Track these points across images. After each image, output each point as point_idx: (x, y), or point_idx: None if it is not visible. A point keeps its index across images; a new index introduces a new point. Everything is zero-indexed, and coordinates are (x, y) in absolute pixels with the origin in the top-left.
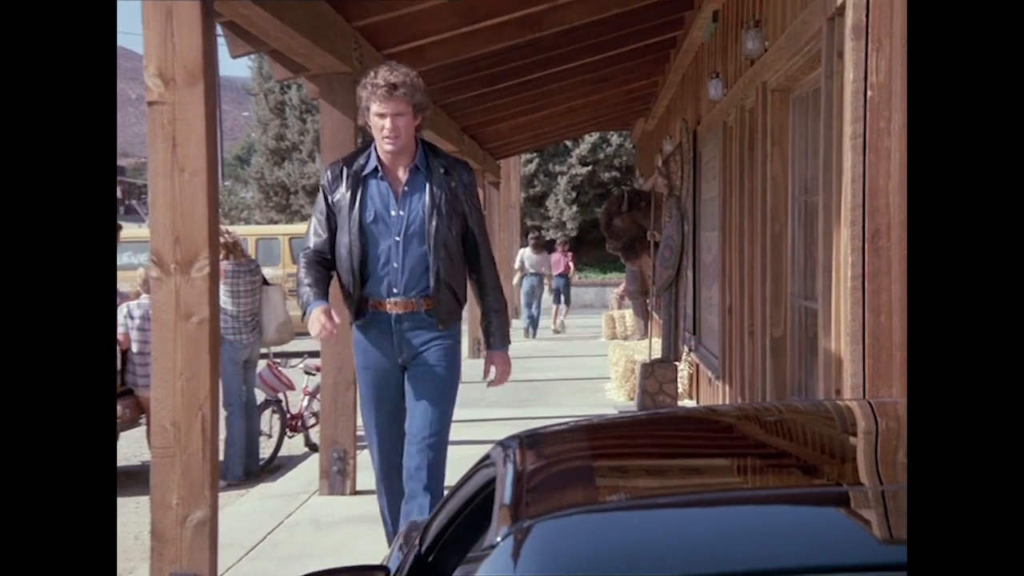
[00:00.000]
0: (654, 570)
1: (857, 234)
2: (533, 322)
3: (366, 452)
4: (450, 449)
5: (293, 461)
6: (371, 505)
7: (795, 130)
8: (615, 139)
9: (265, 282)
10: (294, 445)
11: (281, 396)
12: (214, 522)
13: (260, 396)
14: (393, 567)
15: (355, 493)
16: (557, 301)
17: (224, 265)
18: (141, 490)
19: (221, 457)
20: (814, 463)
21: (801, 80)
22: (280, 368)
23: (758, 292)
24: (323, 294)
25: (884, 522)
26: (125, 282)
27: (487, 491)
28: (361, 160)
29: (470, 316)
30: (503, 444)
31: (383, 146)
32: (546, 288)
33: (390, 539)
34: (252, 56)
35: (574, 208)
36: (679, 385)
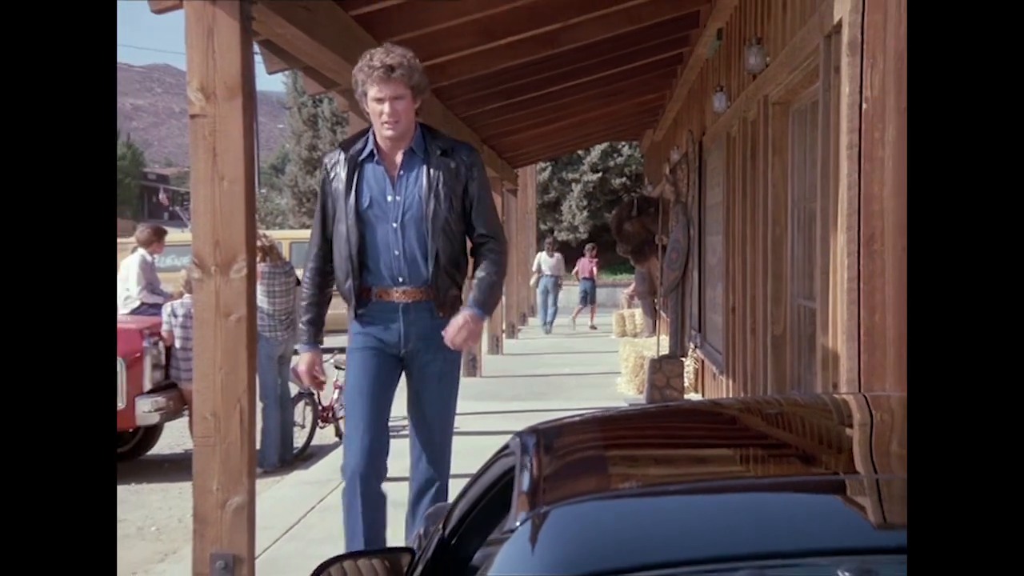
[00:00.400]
0: (664, 554)
1: (853, 238)
2: (549, 320)
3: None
4: (470, 439)
5: (324, 450)
6: (397, 491)
7: (794, 141)
8: (625, 149)
9: (298, 283)
10: (325, 435)
11: (313, 389)
12: (251, 506)
13: (294, 389)
14: (418, 549)
15: None
16: (584, 302)
17: (261, 267)
18: (184, 476)
19: (258, 446)
20: (812, 453)
21: (800, 94)
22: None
23: (760, 292)
24: (313, 330)
25: (879, 508)
26: (169, 283)
27: (506, 479)
28: (359, 145)
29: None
30: (521, 435)
31: (382, 131)
32: (561, 288)
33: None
34: (287, 72)
35: (585, 214)
36: (685, 380)
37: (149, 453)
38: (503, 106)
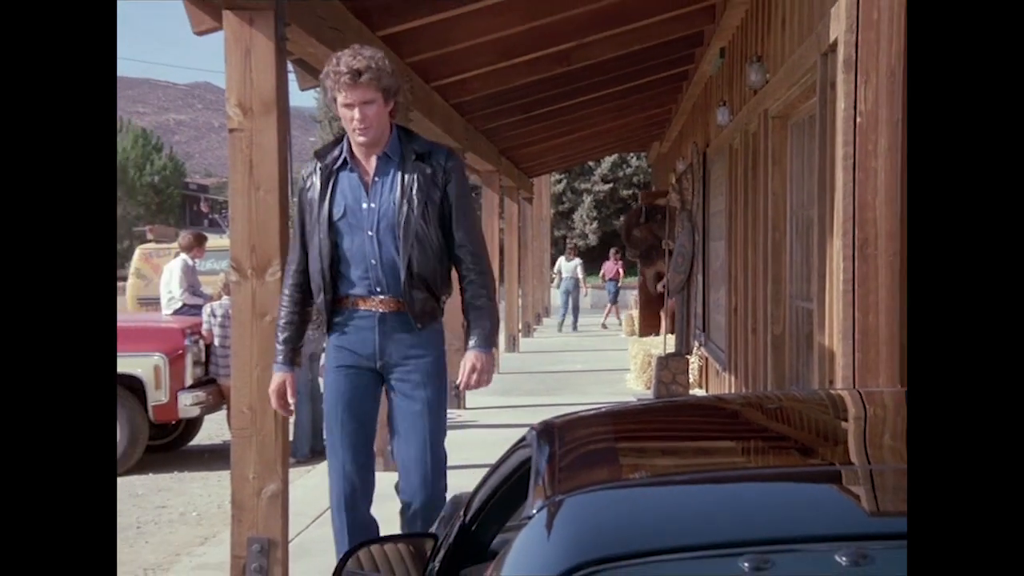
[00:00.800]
0: (672, 540)
1: (848, 243)
2: (570, 318)
3: None
4: (489, 431)
5: None
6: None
7: (793, 152)
8: (634, 160)
9: None
10: None
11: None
12: (285, 493)
13: (324, 384)
14: (440, 534)
15: None
16: (612, 302)
17: None
18: (223, 465)
19: (291, 437)
20: (810, 445)
21: (798, 108)
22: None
23: (760, 294)
24: (289, 353)
25: (872, 497)
26: (209, 286)
27: (523, 469)
28: (334, 153)
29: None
30: (537, 427)
31: (355, 138)
32: (580, 290)
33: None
34: (318, 88)
35: (595, 223)
36: (690, 376)
37: (190, 444)
38: (520, 120)
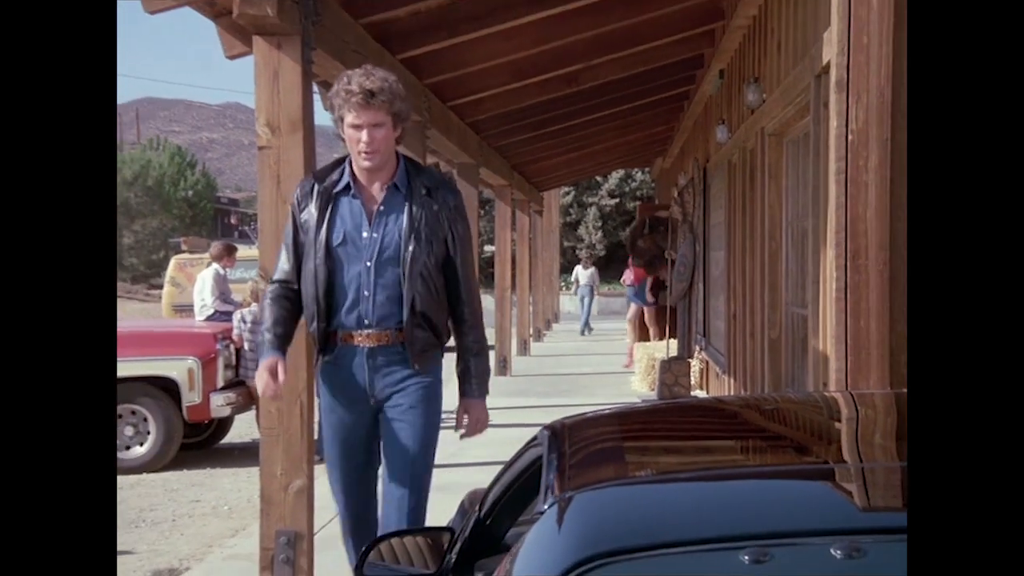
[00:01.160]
0: (676, 534)
1: (840, 253)
2: (586, 324)
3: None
4: (501, 431)
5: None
6: (437, 477)
7: (788, 167)
8: (638, 175)
9: None
10: None
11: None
12: (311, 489)
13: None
14: (457, 528)
15: None
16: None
17: None
18: (252, 462)
19: (316, 436)
20: (806, 444)
21: (793, 126)
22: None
23: (758, 301)
24: (280, 340)
25: (864, 493)
26: (239, 293)
27: (535, 467)
28: (334, 176)
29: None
30: (548, 427)
31: (359, 162)
32: (595, 296)
33: None
34: None
35: (601, 233)
36: (692, 378)
37: (222, 442)
38: (531, 137)
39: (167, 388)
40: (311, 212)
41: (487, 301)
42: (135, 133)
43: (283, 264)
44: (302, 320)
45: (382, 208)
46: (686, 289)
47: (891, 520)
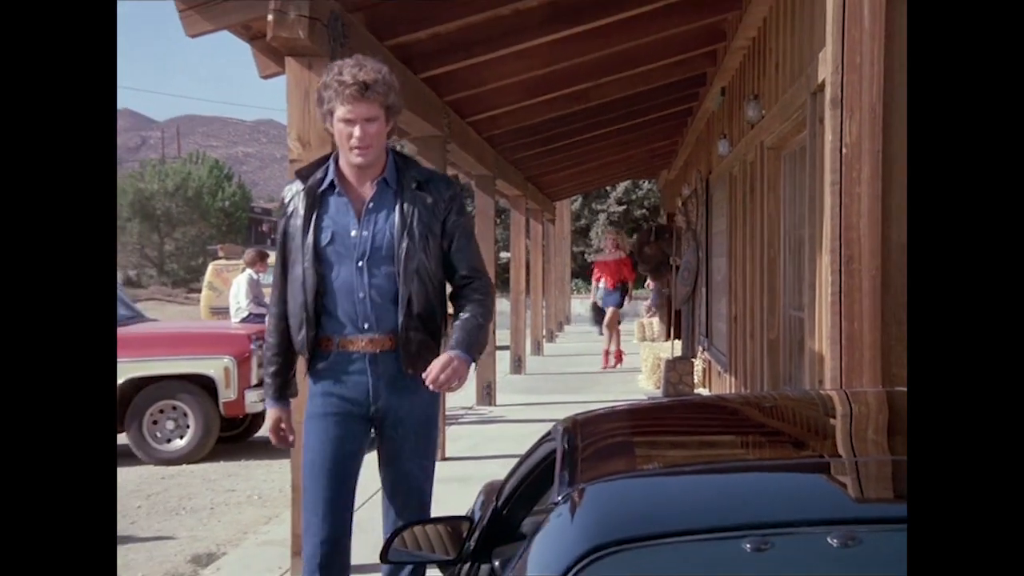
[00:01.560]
0: (682, 523)
1: (835, 259)
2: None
3: (455, 427)
4: (517, 426)
5: None
6: (457, 469)
7: (786, 179)
8: (644, 185)
9: None
10: None
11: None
12: None
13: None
14: (475, 517)
15: (444, 459)
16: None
17: None
18: (283, 455)
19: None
20: (803, 439)
21: (791, 140)
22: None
23: (757, 304)
24: (282, 388)
25: (858, 485)
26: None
27: (549, 460)
28: (318, 174)
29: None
30: (561, 423)
31: (350, 158)
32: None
33: None
34: None
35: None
36: (695, 377)
37: (255, 435)
38: (543, 150)
39: (205, 385)
40: (298, 214)
41: (503, 305)
42: (176, 148)
43: (277, 284)
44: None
45: (371, 205)
46: (690, 293)
47: (884, 511)
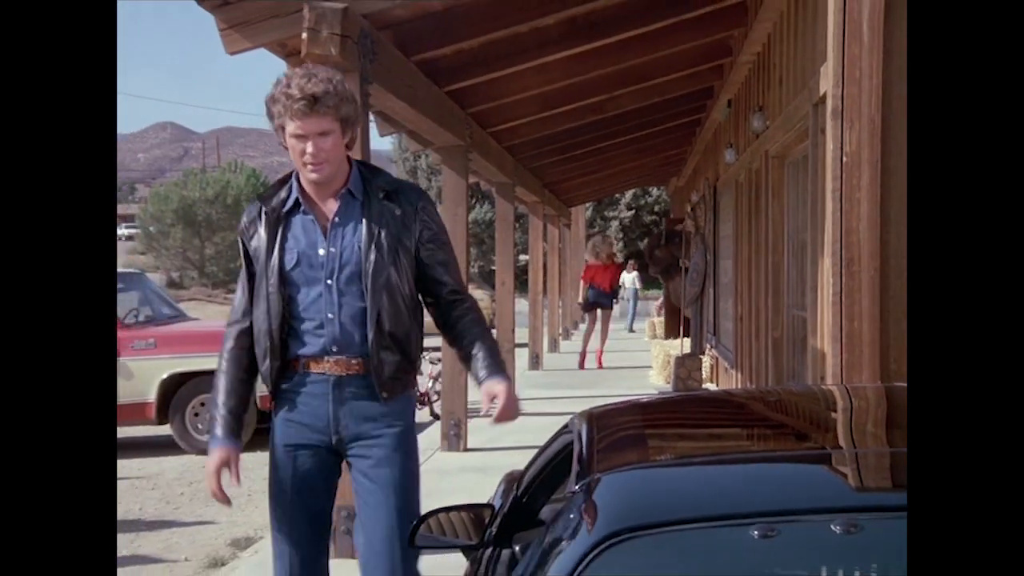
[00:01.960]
0: (692, 511)
1: (836, 262)
2: (632, 321)
3: (477, 420)
4: (535, 419)
5: (421, 427)
6: (479, 459)
7: (789, 186)
8: (653, 191)
9: None
10: (422, 415)
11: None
12: None
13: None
14: (497, 505)
15: (466, 450)
16: None
17: None
18: None
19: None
20: (806, 432)
21: (794, 149)
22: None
23: (762, 304)
24: (232, 419)
25: (857, 475)
26: None
27: (566, 451)
28: (282, 194)
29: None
30: (578, 416)
31: (307, 175)
32: (639, 298)
33: None
34: (394, 134)
35: (621, 243)
36: (703, 373)
37: None
38: (560, 159)
39: None
40: (260, 237)
41: (521, 305)
42: (216, 158)
43: (237, 303)
44: None
45: (337, 220)
46: (698, 294)
47: (884, 499)
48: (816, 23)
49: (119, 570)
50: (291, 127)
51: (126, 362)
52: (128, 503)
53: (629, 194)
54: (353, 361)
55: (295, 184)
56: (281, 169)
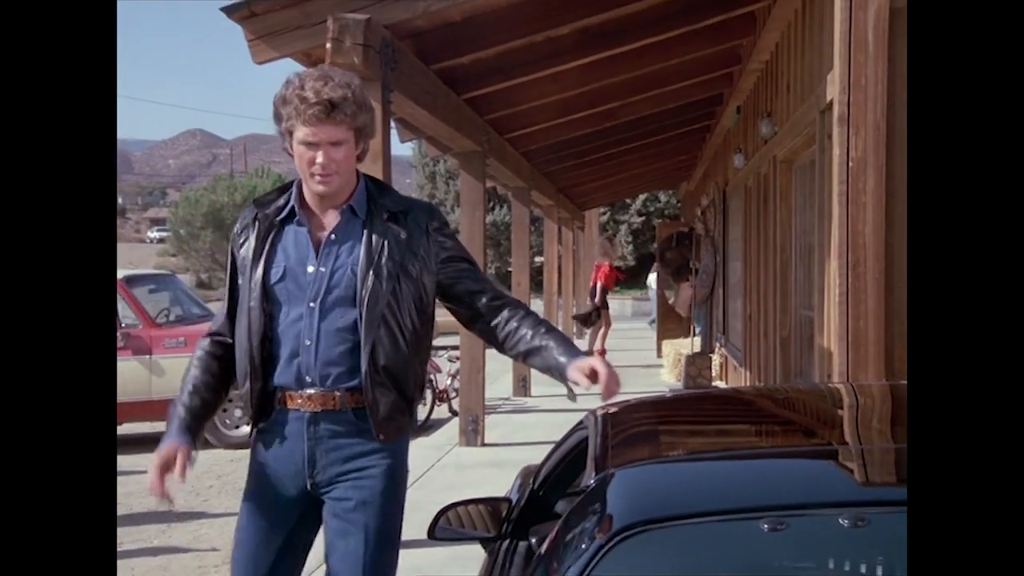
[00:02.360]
0: (704, 505)
1: (842, 263)
2: (653, 319)
3: (494, 416)
4: (550, 415)
5: (440, 423)
6: (496, 454)
7: (797, 190)
8: (662, 196)
9: None
10: (441, 411)
11: (432, 376)
12: None
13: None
14: (514, 499)
15: (484, 445)
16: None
17: None
18: None
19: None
20: (813, 428)
21: (801, 154)
22: (431, 357)
23: (770, 304)
24: (191, 418)
25: (863, 470)
26: None
27: (581, 446)
28: (279, 201)
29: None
30: (592, 412)
31: (311, 185)
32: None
33: None
34: (414, 140)
35: (632, 247)
36: (713, 371)
37: None
38: (575, 164)
39: None
40: (249, 246)
41: (536, 305)
42: (243, 164)
43: (219, 314)
44: None
45: (333, 237)
46: (708, 294)
47: (890, 494)
48: (823, 32)
49: (151, 559)
50: (301, 133)
51: (158, 360)
52: None
53: (640, 200)
54: (331, 395)
55: (295, 192)
56: None
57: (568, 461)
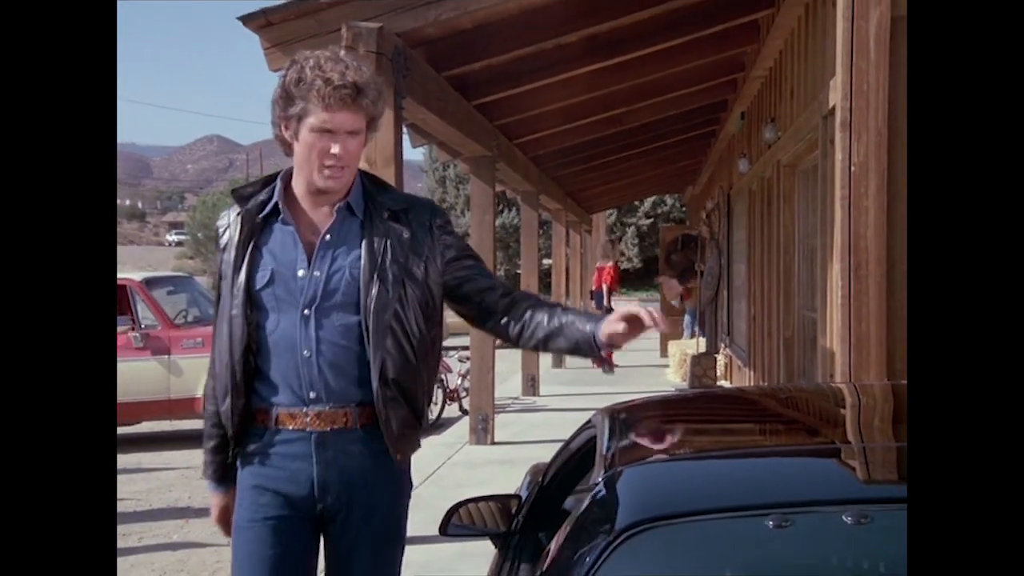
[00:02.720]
0: (710, 502)
1: (845, 266)
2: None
3: (503, 415)
4: (559, 414)
5: (451, 421)
6: (506, 452)
7: (800, 194)
8: (669, 199)
9: None
10: (451, 410)
11: (443, 376)
12: None
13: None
14: (523, 495)
15: (494, 444)
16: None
17: None
18: None
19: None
20: (816, 427)
21: (804, 159)
22: (442, 357)
23: (774, 305)
24: (223, 468)
25: (865, 469)
26: None
27: (590, 444)
28: (261, 196)
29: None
30: (600, 411)
31: (317, 180)
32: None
33: None
34: (425, 145)
35: (637, 249)
36: (718, 371)
37: None
38: (582, 168)
39: None
40: (231, 249)
41: None
42: (259, 168)
43: (214, 333)
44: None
45: (328, 238)
46: (713, 296)
47: (892, 492)
48: (825, 40)
49: (170, 554)
50: (318, 119)
51: (176, 360)
52: (178, 492)
53: (648, 203)
54: (340, 412)
55: (279, 186)
56: None
57: (577, 459)
